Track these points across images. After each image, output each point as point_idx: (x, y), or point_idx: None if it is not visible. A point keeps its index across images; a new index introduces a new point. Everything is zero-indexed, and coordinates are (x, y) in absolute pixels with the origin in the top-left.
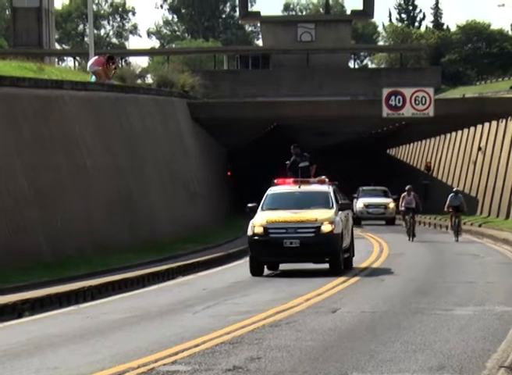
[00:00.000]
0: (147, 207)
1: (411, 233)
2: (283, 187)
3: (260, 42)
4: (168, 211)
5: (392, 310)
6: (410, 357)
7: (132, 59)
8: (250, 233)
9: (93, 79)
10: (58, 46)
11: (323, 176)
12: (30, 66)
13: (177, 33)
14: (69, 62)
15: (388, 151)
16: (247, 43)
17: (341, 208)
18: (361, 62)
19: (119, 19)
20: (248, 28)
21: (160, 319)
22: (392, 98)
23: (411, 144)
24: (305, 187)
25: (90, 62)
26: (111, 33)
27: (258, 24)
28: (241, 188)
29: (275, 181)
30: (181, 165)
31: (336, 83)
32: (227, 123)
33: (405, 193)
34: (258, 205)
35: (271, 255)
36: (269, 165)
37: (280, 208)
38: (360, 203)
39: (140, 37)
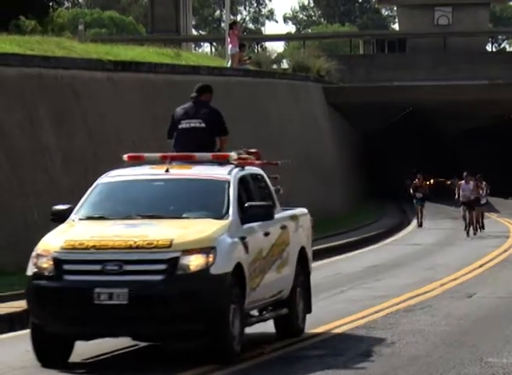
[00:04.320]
0: (282, 192)
1: None
2: (133, 170)
3: (396, 26)
4: (303, 195)
5: None
6: None
7: (268, 44)
8: (29, 272)
9: (229, 64)
10: (195, 32)
11: (242, 151)
12: (167, 51)
13: (313, 18)
14: (206, 47)
15: None
16: (383, 27)
17: (249, 216)
18: (499, 45)
19: (255, 5)
20: (384, 12)
21: None
22: None
23: None
24: (179, 172)
25: (229, 45)
26: (247, 18)
27: (395, 8)
28: (376, 173)
29: (125, 156)
30: (316, 149)
31: (473, 66)
32: (362, 108)
33: None
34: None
35: (67, 322)
36: (404, 149)
37: (113, 216)
38: None
39: (277, 22)
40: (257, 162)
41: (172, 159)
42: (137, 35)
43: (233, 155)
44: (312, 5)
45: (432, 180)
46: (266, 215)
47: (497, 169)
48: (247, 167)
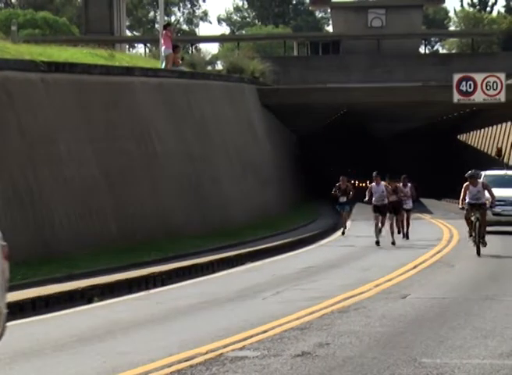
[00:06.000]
0: (217, 193)
1: (479, 242)
2: None
3: (330, 28)
4: (239, 197)
5: (463, 296)
6: (480, 343)
7: (202, 46)
8: None
9: (163, 65)
10: (129, 33)
11: None
12: (101, 53)
13: (247, 19)
14: (140, 48)
15: (459, 136)
16: (317, 29)
17: None
18: (432, 47)
19: (189, 6)
20: (318, 14)
21: (229, 305)
22: (463, 83)
23: (482, 130)
24: None
25: (162, 47)
26: (181, 19)
27: (329, 10)
28: (313, 174)
29: None
30: (251, 151)
31: (407, 68)
32: (297, 109)
33: (467, 183)
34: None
35: None
36: (339, 150)
37: None
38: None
39: (211, 23)
40: None
41: None
42: (71, 36)
43: None
44: (246, 6)
45: (368, 182)
46: None
47: (430, 170)
48: None
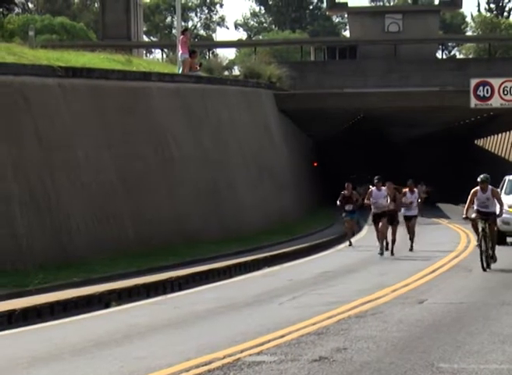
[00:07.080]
0: (233, 198)
1: (488, 256)
2: None
3: (347, 33)
4: (255, 202)
5: (480, 301)
6: (498, 348)
7: (219, 51)
8: None
9: (180, 70)
10: (146, 38)
11: None
12: (118, 58)
13: (264, 24)
14: (157, 54)
15: (476, 141)
16: (334, 34)
17: None
18: (449, 52)
19: (206, 11)
20: (335, 19)
21: (246, 310)
22: (481, 88)
23: (499, 135)
24: None
25: (179, 52)
26: (198, 25)
27: (345, 15)
28: (327, 179)
29: None
30: (267, 156)
31: (424, 73)
32: (313, 114)
33: (477, 188)
34: None
35: None
36: (355, 155)
37: None
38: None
39: (228, 28)
40: None
41: None
42: (88, 41)
43: None
44: (263, 11)
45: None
46: None
47: (447, 174)
48: None
